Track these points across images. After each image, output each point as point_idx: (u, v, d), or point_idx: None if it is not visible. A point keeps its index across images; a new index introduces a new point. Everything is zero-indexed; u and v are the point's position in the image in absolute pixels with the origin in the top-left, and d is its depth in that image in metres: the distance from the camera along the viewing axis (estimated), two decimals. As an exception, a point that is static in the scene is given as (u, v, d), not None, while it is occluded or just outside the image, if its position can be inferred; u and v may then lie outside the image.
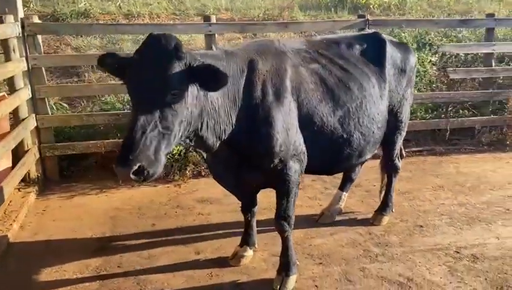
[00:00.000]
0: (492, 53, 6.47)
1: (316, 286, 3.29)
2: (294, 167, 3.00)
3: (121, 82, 2.45)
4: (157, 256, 3.70)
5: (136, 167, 2.16)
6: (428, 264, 3.55)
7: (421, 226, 4.19)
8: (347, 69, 3.26)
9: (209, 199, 4.81)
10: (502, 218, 4.31)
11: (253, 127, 2.79)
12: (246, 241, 3.60)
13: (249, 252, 3.59)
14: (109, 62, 2.50)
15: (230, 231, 4.09)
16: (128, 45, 7.26)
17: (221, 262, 3.60)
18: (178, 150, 5.33)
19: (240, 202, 3.56)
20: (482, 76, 6.53)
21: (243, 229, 4.12)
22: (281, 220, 3.16)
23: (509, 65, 6.98)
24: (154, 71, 2.27)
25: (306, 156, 3.06)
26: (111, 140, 5.39)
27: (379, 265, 3.54)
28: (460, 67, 6.68)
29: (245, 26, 5.45)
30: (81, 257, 3.69)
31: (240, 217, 4.34)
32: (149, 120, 2.23)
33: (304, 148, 3.02)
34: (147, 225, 4.28)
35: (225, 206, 4.62)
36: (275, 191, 3.16)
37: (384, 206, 4.25)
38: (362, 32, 3.75)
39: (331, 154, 3.25)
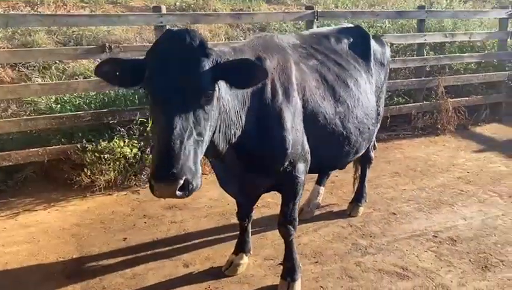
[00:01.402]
0: (424, 43, 6.92)
1: (321, 287, 3.23)
2: (302, 168, 2.88)
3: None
4: (143, 275, 3.37)
5: (182, 182, 1.89)
6: (415, 251, 3.68)
7: (394, 213, 4.34)
8: (342, 65, 3.21)
9: (176, 204, 4.50)
10: (460, 199, 4.63)
11: (264, 129, 2.62)
12: (242, 248, 3.41)
13: (245, 260, 3.41)
14: (108, 70, 2.17)
15: (212, 239, 3.87)
16: (41, 36, 6.53)
17: (215, 273, 3.38)
18: (133, 153, 4.90)
19: (236, 207, 3.36)
20: (416, 65, 6.94)
21: (226, 235, 3.96)
22: (287, 223, 3.03)
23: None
24: (183, 71, 2.01)
25: (310, 156, 2.96)
26: (55, 147, 4.78)
27: (372, 258, 3.59)
28: (396, 57, 7.03)
29: (198, 17, 5.15)
30: (53, 286, 3.23)
31: (217, 222, 4.17)
32: (185, 127, 1.97)
33: (308, 148, 2.92)
34: (117, 240, 3.87)
35: (196, 211, 4.37)
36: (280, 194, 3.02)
37: (359, 196, 4.32)
38: (344, 26, 3.70)
39: (331, 152, 3.19)
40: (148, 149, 5.08)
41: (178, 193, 1.90)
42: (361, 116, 3.21)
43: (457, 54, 7.68)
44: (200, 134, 2.05)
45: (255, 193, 3.03)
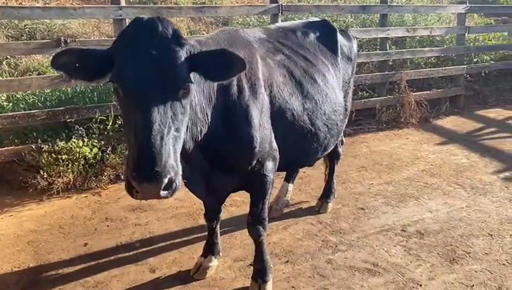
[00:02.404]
0: (387, 37, 6.98)
1: (292, 287, 3.16)
2: (271, 166, 2.79)
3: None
4: (106, 282, 3.19)
5: (166, 181, 1.76)
6: (384, 246, 3.67)
7: (363, 208, 4.33)
8: (309, 60, 3.13)
9: (140, 206, 4.32)
10: (426, 192, 4.68)
11: (230, 127, 2.51)
12: (211, 250, 3.29)
13: (215, 262, 3.29)
14: (66, 61, 1.98)
15: (179, 241, 3.74)
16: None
17: (183, 278, 3.24)
18: (93, 153, 4.67)
19: (204, 208, 3.22)
20: (379, 59, 7.00)
21: (193, 237, 3.83)
22: (256, 224, 2.94)
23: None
24: (159, 62, 1.86)
25: (278, 154, 2.87)
26: (7, 148, 4.48)
27: (342, 254, 3.56)
28: (360, 51, 7.06)
29: (159, 10, 4.93)
30: (8, 298, 3.00)
31: (184, 224, 4.04)
32: (164, 122, 1.83)
33: (276, 145, 2.83)
34: (78, 246, 3.66)
35: (161, 212, 4.21)
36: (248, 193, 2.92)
37: (328, 193, 4.29)
38: (310, 20, 3.62)
39: (299, 149, 3.11)
40: (109, 149, 4.86)
41: (162, 192, 1.77)
42: (329, 112, 3.15)
43: (419, 49, 7.82)
44: (177, 129, 1.92)
45: (222, 193, 2.91)
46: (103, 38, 5.80)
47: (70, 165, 4.54)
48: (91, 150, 4.65)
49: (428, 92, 7.45)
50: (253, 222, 2.93)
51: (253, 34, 2.99)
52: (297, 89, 2.92)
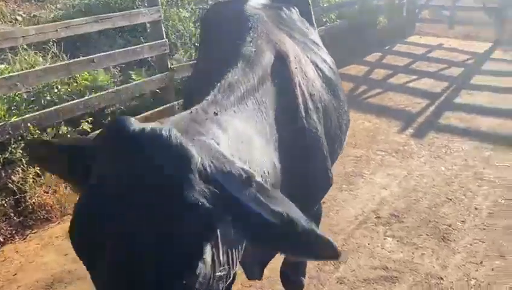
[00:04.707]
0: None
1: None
2: None
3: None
4: None
5: None
6: (375, 242, 3.38)
7: (324, 202, 3.90)
8: (308, 44, 2.39)
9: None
10: (363, 167, 4.54)
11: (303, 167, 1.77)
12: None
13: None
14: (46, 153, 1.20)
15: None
16: None
17: None
18: None
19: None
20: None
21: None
22: (302, 275, 2.23)
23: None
24: (154, 223, 0.92)
25: None
26: None
27: (346, 267, 3.10)
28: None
29: None
30: None
31: None
32: None
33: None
34: None
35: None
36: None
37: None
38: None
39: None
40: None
41: None
42: (344, 110, 2.51)
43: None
44: None
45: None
46: None
47: None
48: None
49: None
50: (299, 273, 2.20)
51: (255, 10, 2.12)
52: (326, 84, 2.19)
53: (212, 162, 1.01)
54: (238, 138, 1.31)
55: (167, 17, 5.45)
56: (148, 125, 1.02)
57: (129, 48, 4.55)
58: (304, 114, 1.76)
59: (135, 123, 1.02)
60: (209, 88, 1.49)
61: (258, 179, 1.05)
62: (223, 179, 1.00)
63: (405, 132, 5.26)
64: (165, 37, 4.79)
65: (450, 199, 3.86)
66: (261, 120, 1.55)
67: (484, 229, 3.45)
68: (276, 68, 1.76)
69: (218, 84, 1.48)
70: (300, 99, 1.76)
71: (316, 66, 2.18)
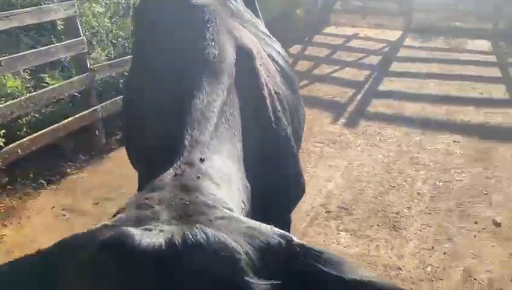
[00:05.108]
0: None
1: None
2: None
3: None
4: None
5: None
6: (330, 238, 3.32)
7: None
8: (264, 39, 2.20)
9: None
10: (304, 160, 4.39)
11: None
12: None
13: None
14: None
15: None
16: None
17: None
18: None
19: None
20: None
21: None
22: None
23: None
24: None
25: None
26: None
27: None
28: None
29: None
30: None
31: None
32: None
33: None
34: None
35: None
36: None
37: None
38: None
39: None
40: None
41: None
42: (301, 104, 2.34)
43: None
44: None
45: None
46: None
47: None
48: None
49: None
50: None
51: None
52: (284, 79, 2.01)
53: (248, 242, 0.78)
54: (227, 183, 1.09)
55: (81, 13, 4.93)
56: (157, 237, 0.74)
57: (41, 48, 4.01)
58: (273, 118, 1.57)
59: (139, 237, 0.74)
60: (169, 109, 1.26)
61: (294, 239, 0.84)
62: (263, 258, 0.78)
63: (338, 122, 5.30)
64: (82, 34, 4.30)
65: (393, 187, 3.92)
66: (232, 140, 1.32)
67: (429, 213, 3.54)
68: (241, 68, 1.55)
69: (189, 116, 1.21)
70: (268, 101, 1.57)
71: (273, 59, 2.00)
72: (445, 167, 4.16)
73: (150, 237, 0.74)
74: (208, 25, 1.64)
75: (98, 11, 5.50)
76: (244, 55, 1.63)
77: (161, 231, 0.76)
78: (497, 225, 3.28)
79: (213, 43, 1.55)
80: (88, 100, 4.46)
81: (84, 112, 4.34)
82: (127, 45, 5.65)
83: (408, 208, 3.61)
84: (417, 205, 3.64)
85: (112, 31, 5.62)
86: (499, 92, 5.92)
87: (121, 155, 4.49)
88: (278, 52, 2.17)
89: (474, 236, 3.21)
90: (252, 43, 1.77)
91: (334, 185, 3.98)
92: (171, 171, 1.01)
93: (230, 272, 0.73)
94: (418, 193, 3.80)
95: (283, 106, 1.78)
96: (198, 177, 0.99)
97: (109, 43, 5.56)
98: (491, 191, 3.74)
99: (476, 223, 3.34)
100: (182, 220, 0.81)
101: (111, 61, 4.81)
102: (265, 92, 1.63)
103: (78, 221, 3.55)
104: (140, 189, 1.54)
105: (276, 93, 1.76)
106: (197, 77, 1.37)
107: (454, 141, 4.65)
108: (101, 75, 4.63)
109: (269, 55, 2.00)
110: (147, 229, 0.77)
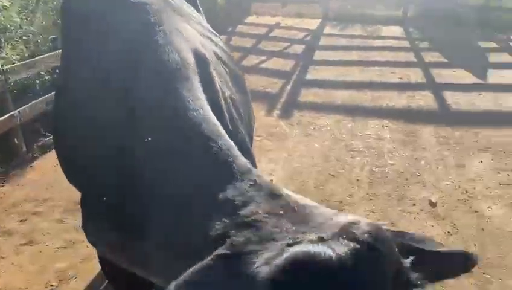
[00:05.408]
0: None
1: None
2: None
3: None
4: None
5: None
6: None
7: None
8: (208, 36, 2.09)
9: None
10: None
11: None
12: None
13: None
14: None
15: None
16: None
17: None
18: None
19: None
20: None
21: None
22: None
23: None
24: None
25: None
26: None
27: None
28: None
29: None
30: None
31: None
32: None
33: None
34: None
35: None
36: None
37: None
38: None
39: None
40: None
41: None
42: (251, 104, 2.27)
43: None
44: None
45: None
46: None
47: None
48: None
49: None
50: None
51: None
52: (233, 79, 1.93)
53: None
54: None
55: (-16, 8, 4.40)
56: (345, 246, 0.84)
57: None
58: (231, 127, 1.50)
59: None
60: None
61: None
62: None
63: (272, 114, 5.31)
64: (-10, 33, 3.83)
65: (333, 175, 4.02)
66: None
67: (370, 199, 3.67)
68: (200, 74, 1.47)
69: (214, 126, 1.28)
70: (224, 108, 1.50)
71: (222, 60, 1.90)
72: (379, 152, 4.35)
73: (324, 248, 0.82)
74: (158, 28, 1.52)
75: (3, 5, 4.96)
76: (201, 61, 1.55)
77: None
78: (433, 204, 3.49)
79: (172, 51, 1.44)
80: (3, 105, 4.01)
81: (0, 119, 3.90)
82: (39, 41, 5.18)
83: (350, 195, 3.72)
84: (358, 192, 3.76)
85: (21, 27, 5.10)
86: (416, 75, 6.32)
87: (45, 164, 4.13)
88: (223, 48, 2.09)
89: (414, 218, 3.40)
90: (202, 47, 1.68)
91: (276, 178, 3.98)
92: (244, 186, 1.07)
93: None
94: (357, 180, 3.93)
95: (239, 113, 1.72)
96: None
97: (20, 40, 5.04)
98: (423, 172, 3.98)
99: (414, 205, 3.53)
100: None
101: (25, 61, 4.36)
102: (221, 100, 1.56)
103: (5, 243, 3.19)
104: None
105: (231, 99, 1.69)
106: (178, 90, 1.28)
107: (383, 126, 4.88)
108: (15, 77, 4.18)
109: (217, 56, 1.90)
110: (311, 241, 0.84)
